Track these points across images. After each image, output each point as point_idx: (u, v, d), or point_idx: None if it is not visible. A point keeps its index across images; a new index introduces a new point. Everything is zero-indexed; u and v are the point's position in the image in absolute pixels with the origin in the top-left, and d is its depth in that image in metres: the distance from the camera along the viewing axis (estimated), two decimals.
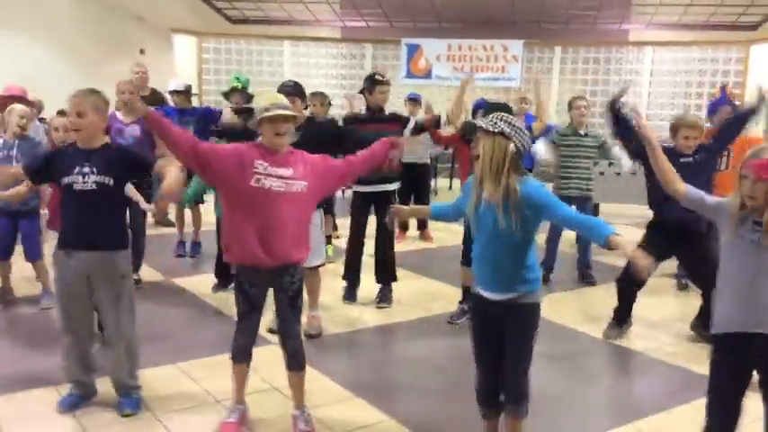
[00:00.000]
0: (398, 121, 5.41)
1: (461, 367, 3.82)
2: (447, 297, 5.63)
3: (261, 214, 3.10)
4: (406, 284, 5.88)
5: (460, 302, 5.07)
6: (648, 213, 4.80)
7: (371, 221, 5.54)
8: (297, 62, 14.27)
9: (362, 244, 5.52)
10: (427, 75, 13.84)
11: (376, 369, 4.29)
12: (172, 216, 7.96)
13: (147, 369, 3.82)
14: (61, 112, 4.27)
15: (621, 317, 4.87)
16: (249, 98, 7.84)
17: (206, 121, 6.67)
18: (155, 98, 7.76)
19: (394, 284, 5.54)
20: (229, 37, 14.41)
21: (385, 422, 3.47)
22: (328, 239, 6.95)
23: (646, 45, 13.13)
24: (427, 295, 5.83)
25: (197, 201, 6.79)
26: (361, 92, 5.42)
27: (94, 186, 3.33)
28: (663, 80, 12.90)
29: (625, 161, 5.81)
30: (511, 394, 2.87)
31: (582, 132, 6.13)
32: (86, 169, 3.33)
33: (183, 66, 13.55)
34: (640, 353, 4.62)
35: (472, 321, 3.03)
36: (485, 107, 4.63)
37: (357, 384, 3.90)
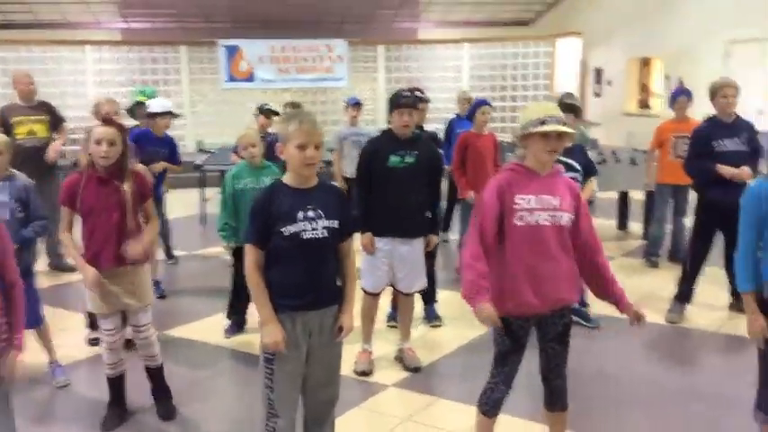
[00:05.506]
0: None
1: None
2: None
3: (530, 254, 2.70)
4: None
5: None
6: None
7: None
8: (100, 69, 12.65)
9: None
10: (250, 78, 13.12)
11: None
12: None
13: None
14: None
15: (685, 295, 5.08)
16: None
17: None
18: (57, 119, 6.38)
19: None
20: (19, 44, 12.32)
21: None
22: None
23: (462, 42, 13.80)
24: None
25: None
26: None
27: (326, 233, 2.67)
28: (483, 75, 13.68)
29: None
30: None
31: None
32: (311, 213, 2.66)
33: None
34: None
35: None
36: None
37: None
